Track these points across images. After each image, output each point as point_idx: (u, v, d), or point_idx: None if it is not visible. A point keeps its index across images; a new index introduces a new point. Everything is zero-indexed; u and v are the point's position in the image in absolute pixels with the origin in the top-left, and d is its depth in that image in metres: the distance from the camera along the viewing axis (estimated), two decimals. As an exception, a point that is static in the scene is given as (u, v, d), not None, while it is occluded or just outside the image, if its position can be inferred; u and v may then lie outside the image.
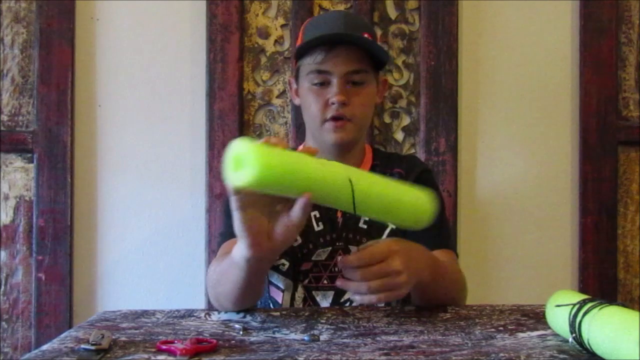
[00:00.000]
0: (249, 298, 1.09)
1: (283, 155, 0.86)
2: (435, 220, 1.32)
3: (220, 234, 1.36)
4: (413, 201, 1.01)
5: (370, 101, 1.33)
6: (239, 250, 0.95)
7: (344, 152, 1.33)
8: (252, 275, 1.00)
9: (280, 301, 1.33)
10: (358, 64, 1.27)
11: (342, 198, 0.90)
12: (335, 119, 1.27)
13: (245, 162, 0.83)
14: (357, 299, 1.00)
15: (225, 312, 1.11)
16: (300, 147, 1.41)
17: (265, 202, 0.90)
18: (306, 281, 1.32)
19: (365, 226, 1.33)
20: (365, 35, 1.28)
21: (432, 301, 1.15)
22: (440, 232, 1.33)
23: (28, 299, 1.77)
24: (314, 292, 1.32)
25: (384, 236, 1.33)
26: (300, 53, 1.31)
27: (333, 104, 1.27)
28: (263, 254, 0.93)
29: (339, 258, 1.00)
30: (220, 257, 1.19)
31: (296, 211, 0.89)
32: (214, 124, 1.77)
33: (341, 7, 1.80)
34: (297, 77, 1.35)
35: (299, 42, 1.35)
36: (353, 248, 1.31)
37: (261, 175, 0.83)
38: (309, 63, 1.28)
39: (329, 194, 0.89)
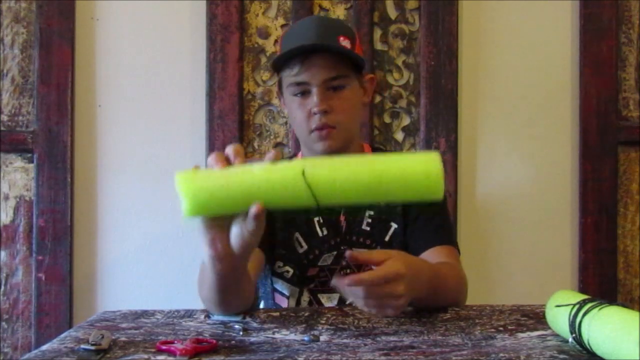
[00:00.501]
0: (231, 302, 1.06)
1: (211, 178, 0.86)
2: (437, 217, 1.33)
3: None
4: (404, 171, 0.86)
5: (354, 104, 1.31)
6: (203, 249, 0.95)
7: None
8: (222, 276, 0.97)
9: (284, 307, 1.33)
10: (335, 71, 1.26)
11: (300, 196, 0.85)
12: (319, 129, 1.27)
13: (179, 194, 0.86)
14: (350, 300, 0.99)
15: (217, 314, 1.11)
16: (299, 155, 1.41)
17: None
18: (312, 285, 1.32)
19: (368, 228, 1.33)
20: (341, 39, 1.26)
21: (429, 307, 1.15)
22: (442, 228, 1.33)
23: (28, 299, 1.77)
24: (319, 295, 1.32)
25: (387, 237, 1.33)
26: (277, 67, 1.30)
27: (315, 114, 1.26)
28: (220, 254, 0.91)
29: (347, 264, 0.96)
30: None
31: (248, 221, 0.87)
32: (214, 124, 1.77)
33: (341, 7, 1.80)
34: (280, 88, 1.35)
35: (278, 53, 1.34)
36: (358, 251, 1.31)
37: (191, 204, 0.85)
38: (287, 75, 1.28)
39: (282, 195, 0.86)
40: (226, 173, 0.87)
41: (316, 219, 1.34)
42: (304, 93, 1.28)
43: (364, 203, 0.93)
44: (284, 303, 1.34)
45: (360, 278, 0.93)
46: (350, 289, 0.95)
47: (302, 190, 0.85)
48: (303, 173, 0.84)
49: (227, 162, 0.88)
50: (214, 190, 0.85)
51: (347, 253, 0.97)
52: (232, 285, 1.02)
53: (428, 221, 1.32)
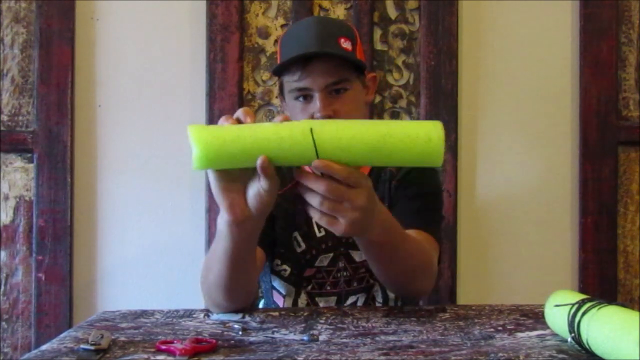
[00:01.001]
0: (238, 285, 1.07)
1: (223, 130, 0.89)
2: (423, 204, 1.29)
3: None
4: (408, 134, 0.88)
5: (357, 106, 1.30)
6: (221, 217, 0.96)
7: None
8: (237, 245, 0.98)
9: (282, 306, 1.34)
10: (336, 75, 1.26)
11: (305, 150, 0.87)
12: None
13: (191, 144, 0.88)
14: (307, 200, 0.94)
15: (219, 311, 1.11)
16: None
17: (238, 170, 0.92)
18: (309, 287, 1.32)
19: None
20: (342, 40, 1.26)
21: (386, 269, 1.11)
22: (425, 214, 1.29)
23: (28, 299, 1.77)
24: (317, 298, 1.32)
25: None
26: (278, 73, 1.31)
27: (318, 119, 1.26)
28: (239, 218, 0.93)
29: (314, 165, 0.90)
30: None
31: (262, 178, 0.89)
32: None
33: (341, 7, 1.80)
34: (282, 92, 1.35)
35: (278, 57, 1.34)
36: (354, 253, 1.31)
37: (203, 153, 0.88)
38: (288, 81, 1.28)
39: (290, 150, 0.88)
40: (237, 126, 0.91)
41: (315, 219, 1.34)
42: (306, 97, 1.27)
43: (366, 164, 0.95)
44: (280, 302, 1.35)
45: (329, 163, 0.89)
46: (312, 181, 0.91)
47: (309, 146, 0.88)
48: (311, 130, 0.87)
49: (238, 122, 0.92)
50: (225, 141, 0.88)
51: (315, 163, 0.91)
52: (243, 261, 1.03)
53: (412, 204, 1.29)
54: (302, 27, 1.33)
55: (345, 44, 1.26)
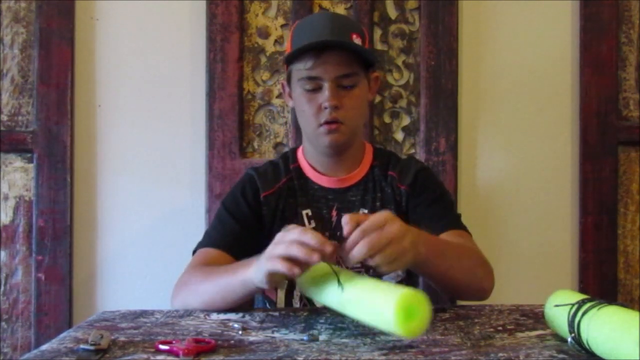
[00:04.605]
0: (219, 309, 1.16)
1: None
2: (443, 206, 1.34)
3: (203, 239, 1.36)
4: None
5: (362, 102, 1.33)
6: (254, 272, 1.03)
7: (339, 153, 1.35)
8: (245, 295, 1.11)
9: (274, 299, 1.34)
10: (347, 68, 1.28)
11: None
12: (329, 123, 1.28)
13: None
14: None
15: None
16: (299, 150, 1.42)
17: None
18: None
19: None
20: (354, 36, 1.28)
21: (446, 279, 1.15)
22: (448, 213, 1.35)
23: (28, 299, 1.77)
24: None
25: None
26: (290, 59, 1.31)
27: (326, 108, 1.27)
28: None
29: (343, 218, 0.96)
30: (202, 266, 1.24)
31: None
32: (214, 124, 1.77)
33: (341, 7, 1.80)
34: (289, 81, 1.36)
35: (288, 46, 1.35)
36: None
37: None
38: (300, 69, 1.29)
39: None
40: None
41: (305, 211, 1.35)
42: (315, 88, 1.29)
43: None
44: (272, 295, 1.35)
45: (357, 221, 0.95)
46: (355, 245, 0.94)
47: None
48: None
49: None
50: None
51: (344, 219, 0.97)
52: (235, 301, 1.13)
53: (433, 210, 1.33)
54: (316, 19, 1.35)
55: (357, 40, 1.29)
